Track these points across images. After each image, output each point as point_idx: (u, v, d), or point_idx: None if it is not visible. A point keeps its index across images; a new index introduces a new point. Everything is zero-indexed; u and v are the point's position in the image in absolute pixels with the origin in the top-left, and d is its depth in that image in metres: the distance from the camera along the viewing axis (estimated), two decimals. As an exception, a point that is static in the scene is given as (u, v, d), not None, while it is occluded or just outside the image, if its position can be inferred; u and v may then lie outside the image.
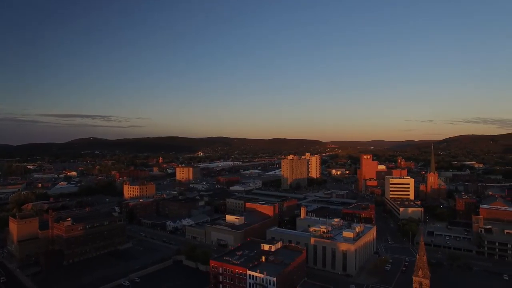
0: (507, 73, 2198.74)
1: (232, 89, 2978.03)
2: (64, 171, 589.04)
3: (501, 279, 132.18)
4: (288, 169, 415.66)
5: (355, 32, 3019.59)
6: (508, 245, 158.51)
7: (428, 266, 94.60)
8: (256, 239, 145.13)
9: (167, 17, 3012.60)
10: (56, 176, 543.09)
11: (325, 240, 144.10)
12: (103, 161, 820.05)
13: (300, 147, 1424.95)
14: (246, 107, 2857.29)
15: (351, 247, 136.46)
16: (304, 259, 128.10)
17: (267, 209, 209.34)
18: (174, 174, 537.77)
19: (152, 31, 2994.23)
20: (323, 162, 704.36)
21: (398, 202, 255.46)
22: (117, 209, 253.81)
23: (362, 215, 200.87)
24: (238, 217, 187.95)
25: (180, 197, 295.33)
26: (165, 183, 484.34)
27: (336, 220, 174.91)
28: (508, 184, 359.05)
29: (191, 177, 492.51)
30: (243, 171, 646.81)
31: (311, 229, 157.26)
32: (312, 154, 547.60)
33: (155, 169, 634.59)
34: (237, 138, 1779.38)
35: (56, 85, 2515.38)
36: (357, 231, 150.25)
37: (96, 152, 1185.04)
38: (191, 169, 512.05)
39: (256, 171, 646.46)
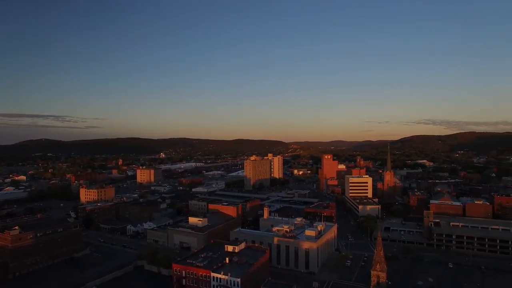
0: (453, 77, 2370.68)
1: (194, 89, 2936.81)
2: (11, 176, 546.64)
3: (446, 267, 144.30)
4: (251, 169, 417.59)
5: (316, 33, 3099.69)
6: (453, 236, 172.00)
7: (385, 260, 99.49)
8: (220, 241, 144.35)
9: (125, 14, 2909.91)
10: (1, 181, 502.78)
11: (288, 239, 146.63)
12: (57, 164, 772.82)
13: (263, 147, 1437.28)
14: (208, 107, 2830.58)
15: (313, 245, 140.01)
16: (267, 259, 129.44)
17: (230, 210, 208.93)
18: (134, 177, 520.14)
19: (110, 28, 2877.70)
20: (285, 163, 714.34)
21: (357, 200, 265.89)
22: (73, 214, 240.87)
23: (323, 213, 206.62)
24: (201, 219, 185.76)
25: (141, 200, 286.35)
26: (125, 185, 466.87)
27: (299, 219, 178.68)
28: (453, 180, 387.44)
29: (152, 179, 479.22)
30: (206, 172, 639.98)
31: (274, 229, 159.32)
32: (274, 155, 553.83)
33: (114, 172, 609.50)
34: (199, 139, 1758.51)
35: (1, 82, 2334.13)
36: (319, 230, 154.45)
37: (49, 154, 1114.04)
38: (152, 171, 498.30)
39: (219, 172, 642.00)
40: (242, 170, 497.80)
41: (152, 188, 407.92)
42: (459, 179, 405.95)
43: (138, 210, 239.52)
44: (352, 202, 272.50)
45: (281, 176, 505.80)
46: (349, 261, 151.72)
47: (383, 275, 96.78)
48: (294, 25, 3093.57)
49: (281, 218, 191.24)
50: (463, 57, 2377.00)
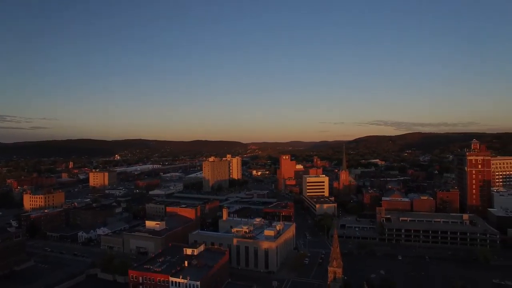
0: (400, 80, 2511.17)
1: (151, 88, 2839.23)
2: None
3: (396, 259, 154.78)
4: (209, 171, 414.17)
5: (270, 33, 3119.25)
6: (402, 230, 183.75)
7: (341, 256, 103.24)
8: (179, 244, 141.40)
9: (71, 9, 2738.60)
10: None
11: (248, 240, 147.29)
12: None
13: (222, 148, 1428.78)
14: (165, 107, 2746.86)
15: (273, 245, 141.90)
16: (227, 260, 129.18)
17: (189, 212, 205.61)
18: (87, 180, 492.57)
19: (56, 21, 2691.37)
20: (244, 163, 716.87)
21: (315, 199, 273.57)
22: (14, 223, 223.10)
23: (282, 213, 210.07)
24: (159, 222, 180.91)
25: (94, 204, 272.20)
26: (76, 190, 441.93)
27: (258, 219, 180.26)
28: (402, 178, 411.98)
29: (106, 182, 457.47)
30: (164, 174, 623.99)
31: (234, 230, 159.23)
32: (233, 156, 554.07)
33: (64, 175, 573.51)
34: (156, 140, 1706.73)
35: None
36: (278, 229, 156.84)
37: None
38: (106, 173, 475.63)
39: (177, 174, 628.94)
40: (201, 172, 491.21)
41: (107, 191, 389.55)
42: (407, 177, 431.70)
43: (91, 215, 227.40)
44: (310, 201, 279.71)
45: (240, 177, 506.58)
46: (307, 259, 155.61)
47: (339, 271, 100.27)
48: (251, 24, 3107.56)
49: (240, 219, 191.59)
50: (407, 63, 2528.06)
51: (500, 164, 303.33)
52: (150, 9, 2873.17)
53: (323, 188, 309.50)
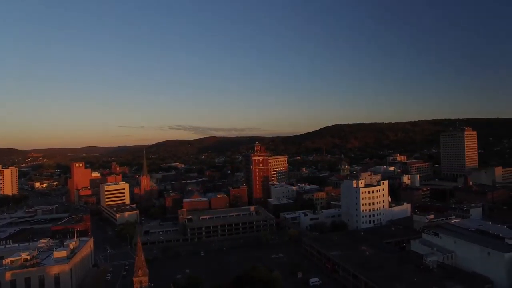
0: (197, 88, 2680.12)
1: None
2: None
3: (199, 256, 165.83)
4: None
5: (68, 29, 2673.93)
6: (203, 228, 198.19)
7: (146, 263, 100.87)
8: None
9: None
10: None
11: (29, 269, 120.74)
12: None
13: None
14: None
15: (65, 268, 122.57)
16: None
17: None
18: None
19: None
20: (23, 175, 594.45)
21: (115, 208, 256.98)
22: None
23: (76, 228, 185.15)
24: None
25: None
26: None
27: (44, 240, 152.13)
28: (201, 179, 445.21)
29: None
30: None
31: (6, 260, 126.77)
32: (5, 166, 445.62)
33: None
34: None
35: None
36: (71, 248, 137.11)
37: None
38: None
39: None
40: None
41: None
42: (205, 178, 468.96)
43: None
44: (109, 211, 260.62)
45: (16, 191, 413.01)
46: (109, 275, 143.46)
47: (145, 279, 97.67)
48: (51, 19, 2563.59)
49: (17, 244, 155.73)
50: (202, 75, 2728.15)
51: (274, 162, 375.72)
52: None
53: (124, 196, 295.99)
